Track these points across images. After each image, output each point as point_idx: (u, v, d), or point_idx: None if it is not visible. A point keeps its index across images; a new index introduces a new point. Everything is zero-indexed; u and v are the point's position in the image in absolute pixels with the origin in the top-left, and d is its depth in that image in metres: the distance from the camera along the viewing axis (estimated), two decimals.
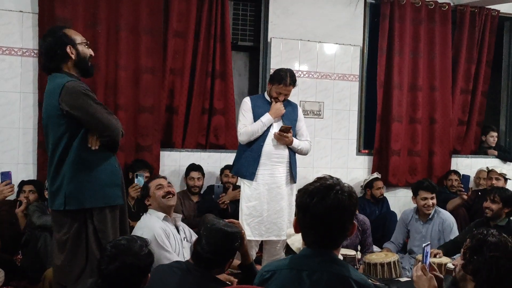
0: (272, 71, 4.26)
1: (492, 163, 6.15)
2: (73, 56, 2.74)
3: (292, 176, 3.99)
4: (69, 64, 2.75)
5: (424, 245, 2.36)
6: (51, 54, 2.72)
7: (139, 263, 2.17)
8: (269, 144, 3.91)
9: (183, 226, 3.47)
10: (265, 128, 3.90)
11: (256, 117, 3.94)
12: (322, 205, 1.70)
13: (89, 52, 2.83)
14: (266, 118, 3.90)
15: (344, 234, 1.78)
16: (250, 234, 3.85)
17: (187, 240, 3.36)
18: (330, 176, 1.81)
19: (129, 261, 2.14)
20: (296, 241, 2.78)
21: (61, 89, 2.61)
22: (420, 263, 2.30)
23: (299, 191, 1.81)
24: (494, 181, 5.29)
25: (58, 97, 2.61)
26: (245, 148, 3.96)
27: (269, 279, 1.80)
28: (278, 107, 3.94)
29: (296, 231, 1.82)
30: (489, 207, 3.97)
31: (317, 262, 1.74)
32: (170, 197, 3.35)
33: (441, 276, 2.30)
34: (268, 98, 4.04)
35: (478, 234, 2.24)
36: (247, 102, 4.04)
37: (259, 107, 3.99)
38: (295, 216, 1.85)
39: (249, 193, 3.93)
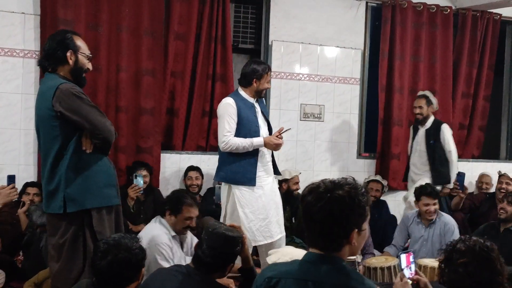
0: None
1: (504, 167, 6.03)
2: (70, 62, 2.75)
3: (276, 168, 4.06)
4: (65, 68, 2.76)
5: (400, 252, 2.36)
6: (51, 53, 2.74)
7: (131, 257, 2.21)
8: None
9: (191, 237, 3.52)
10: (250, 150, 3.83)
11: (244, 119, 3.83)
12: (320, 204, 1.67)
13: (88, 65, 2.84)
14: (259, 143, 3.81)
15: (345, 235, 1.69)
16: (262, 238, 3.83)
17: (190, 254, 3.37)
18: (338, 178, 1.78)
19: (121, 255, 2.18)
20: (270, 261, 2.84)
21: (55, 91, 2.62)
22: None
23: (304, 189, 1.79)
24: (504, 185, 5.30)
25: (51, 99, 2.62)
26: (237, 154, 3.84)
27: (274, 287, 1.75)
28: (278, 144, 3.84)
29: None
30: (504, 208, 4.00)
31: (324, 272, 1.69)
32: (188, 231, 3.47)
33: (425, 280, 2.28)
34: (247, 97, 3.90)
35: (448, 246, 2.17)
36: (232, 104, 3.83)
37: (243, 108, 3.85)
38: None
39: (250, 198, 3.84)
